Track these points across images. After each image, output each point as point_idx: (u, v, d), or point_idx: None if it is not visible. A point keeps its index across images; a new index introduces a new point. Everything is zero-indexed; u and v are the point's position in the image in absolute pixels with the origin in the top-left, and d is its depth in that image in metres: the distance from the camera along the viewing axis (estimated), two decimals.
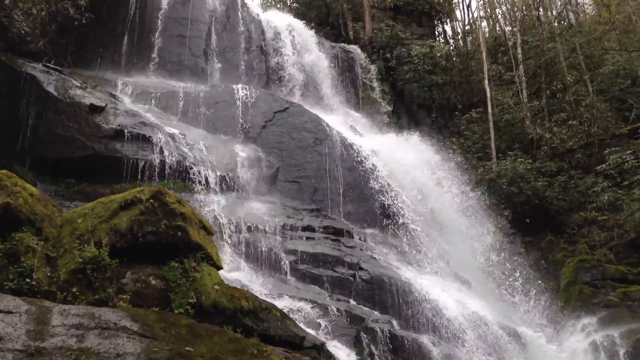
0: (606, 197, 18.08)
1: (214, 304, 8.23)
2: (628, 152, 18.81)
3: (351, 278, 13.45)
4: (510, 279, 17.65)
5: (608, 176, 18.81)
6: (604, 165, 18.92)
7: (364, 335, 11.44)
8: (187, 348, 6.42)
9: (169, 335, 6.52)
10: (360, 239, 14.97)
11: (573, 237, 18.75)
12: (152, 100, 16.83)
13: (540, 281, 17.51)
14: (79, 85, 14.77)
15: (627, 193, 17.72)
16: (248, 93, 17.70)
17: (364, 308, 12.68)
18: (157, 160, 13.91)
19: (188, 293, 7.91)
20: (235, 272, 11.72)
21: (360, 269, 13.73)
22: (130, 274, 7.75)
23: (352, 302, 12.82)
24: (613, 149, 19.49)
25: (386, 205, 16.30)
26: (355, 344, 11.03)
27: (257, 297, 9.75)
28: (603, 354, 13.42)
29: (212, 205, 13.35)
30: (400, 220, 16.15)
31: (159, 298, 7.71)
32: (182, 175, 14.02)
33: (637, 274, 15.97)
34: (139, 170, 13.68)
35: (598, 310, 15.15)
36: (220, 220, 12.98)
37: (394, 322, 12.31)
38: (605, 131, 21.63)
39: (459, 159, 20.89)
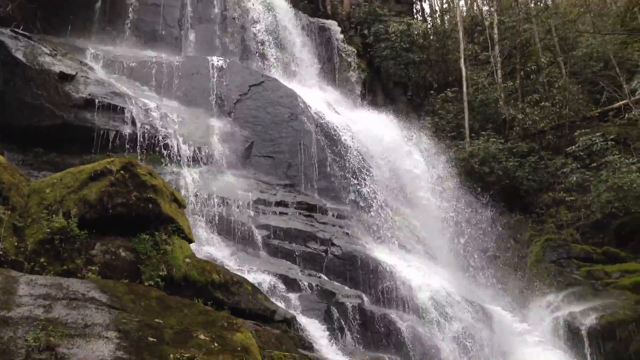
0: (574, 178, 18.47)
1: (184, 277, 8.20)
2: (597, 134, 19.19)
3: (323, 254, 13.52)
4: (478, 257, 17.97)
5: (577, 157, 19.19)
6: (573, 147, 19.28)
7: (334, 310, 11.56)
8: (156, 320, 6.40)
9: (139, 307, 6.49)
10: (333, 215, 15.02)
11: (541, 216, 19.15)
12: (125, 70, 16.48)
13: (508, 259, 17.85)
14: (48, 52, 14.37)
15: (594, 175, 18.12)
16: (223, 65, 17.44)
17: (335, 283, 12.78)
18: (129, 132, 13.68)
19: (158, 266, 7.87)
20: (207, 245, 11.68)
21: (333, 244, 13.81)
22: (100, 246, 7.66)
23: (324, 277, 12.92)
24: (583, 130, 19.85)
25: (359, 183, 16.36)
26: (326, 318, 11.14)
27: (228, 270, 9.75)
28: (566, 330, 13.81)
29: (185, 179, 13.22)
30: (373, 197, 16.24)
31: (128, 270, 7.65)
32: (154, 147, 13.82)
33: (602, 253, 16.42)
34: (110, 141, 13.44)
35: (563, 288, 15.55)
36: (193, 194, 12.87)
37: (364, 297, 12.44)
38: (577, 113, 21.99)
39: (432, 138, 21.03)
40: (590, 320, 13.83)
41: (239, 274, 10.24)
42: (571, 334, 13.76)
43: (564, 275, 16.07)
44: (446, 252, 17.27)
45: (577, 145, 19.17)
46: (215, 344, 6.62)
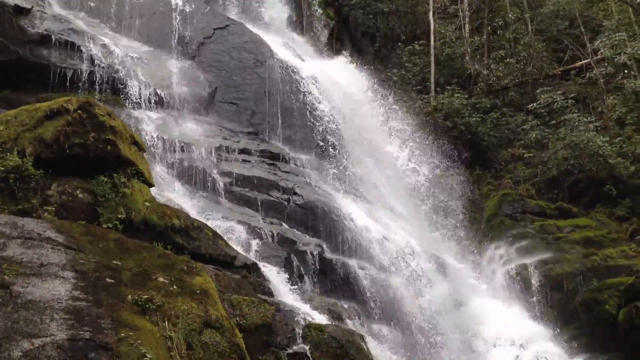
0: (534, 135, 18.84)
1: (144, 221, 8.12)
2: (559, 92, 19.50)
3: (285, 202, 13.56)
4: (438, 210, 18.33)
5: (538, 115, 19.53)
6: (534, 104, 19.58)
7: (295, 258, 11.69)
8: (114, 261, 6.35)
9: (96, 248, 6.41)
10: (296, 164, 15.01)
11: (500, 172, 19.57)
12: (84, 7, 15.77)
13: (466, 213, 18.26)
14: None
15: (553, 132, 18.51)
16: (187, 6, 16.85)
17: (296, 232, 12.88)
18: (87, 71, 13.20)
19: (117, 208, 7.75)
20: (168, 191, 11.54)
21: (295, 193, 13.84)
22: (56, 186, 7.48)
23: (285, 225, 12.99)
24: (545, 88, 20.13)
25: (323, 132, 16.29)
26: (286, 266, 11.26)
27: (189, 215, 9.70)
28: (516, 281, 14.35)
29: (145, 122, 12.91)
30: (337, 148, 16.24)
31: (86, 212, 7.52)
32: (113, 88, 13.41)
33: (555, 209, 16.94)
34: (67, 79, 12.96)
35: (516, 241, 16.06)
36: (154, 138, 12.63)
37: (325, 246, 12.59)
38: (540, 71, 22.24)
39: (398, 90, 21.00)
40: (540, 272, 14.39)
41: (199, 219, 10.22)
42: (521, 285, 14.31)
43: (518, 229, 16.56)
44: (406, 205, 17.53)
45: (538, 102, 19.47)
46: (175, 287, 6.63)
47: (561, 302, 13.78)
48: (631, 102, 18.48)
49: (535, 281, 14.29)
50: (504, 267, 15.13)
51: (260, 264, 10.49)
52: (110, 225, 7.52)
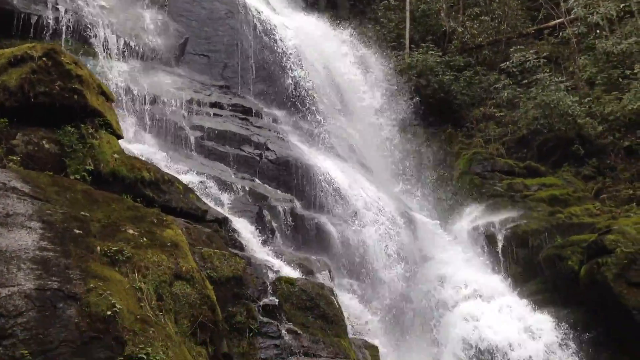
0: (506, 94, 18.98)
1: (112, 173, 7.98)
2: (531, 51, 19.58)
3: (257, 157, 13.49)
4: (409, 168, 18.49)
5: (510, 74, 19.63)
6: (507, 63, 19.65)
7: (266, 213, 11.70)
8: (82, 213, 6.26)
9: (63, 199, 6.30)
10: (268, 119, 14.88)
11: (471, 131, 19.74)
12: None
13: (437, 171, 18.46)
14: None
15: (525, 92, 18.67)
16: None
17: (268, 187, 12.87)
18: (52, 17, 12.69)
19: (85, 159, 7.59)
20: (137, 143, 11.34)
21: (267, 149, 13.76)
22: (22, 136, 7.28)
23: (257, 180, 12.96)
24: (518, 47, 20.17)
25: (297, 87, 16.12)
26: (257, 220, 11.28)
27: (159, 169, 9.57)
28: (484, 237, 14.67)
29: (114, 72, 12.56)
30: (310, 103, 16.12)
31: (53, 162, 7.35)
32: (80, 36, 12.93)
33: (523, 167, 17.24)
34: (32, 26, 12.45)
35: (484, 199, 16.35)
36: (122, 89, 12.32)
37: (296, 202, 12.64)
38: (514, 29, 22.23)
39: (373, 46, 20.81)
40: (506, 229, 14.72)
41: (170, 173, 10.11)
42: (488, 241, 14.64)
43: (487, 187, 16.83)
44: (378, 161, 17.64)
45: (511, 61, 19.55)
46: (144, 239, 6.59)
47: (526, 258, 14.16)
48: (602, 62, 18.67)
49: (501, 238, 14.61)
50: (472, 224, 15.42)
51: (232, 219, 10.48)
52: (78, 177, 7.38)
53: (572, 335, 11.88)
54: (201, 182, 11.28)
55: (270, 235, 11.46)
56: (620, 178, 15.79)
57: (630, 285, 11.61)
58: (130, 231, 6.53)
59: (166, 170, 10.21)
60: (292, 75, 16.18)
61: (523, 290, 13.36)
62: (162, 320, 5.92)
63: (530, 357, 11.48)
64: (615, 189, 15.51)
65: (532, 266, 13.93)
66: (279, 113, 15.52)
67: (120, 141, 8.95)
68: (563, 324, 12.09)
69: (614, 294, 11.59)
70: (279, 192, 12.85)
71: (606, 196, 15.39)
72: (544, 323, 12.14)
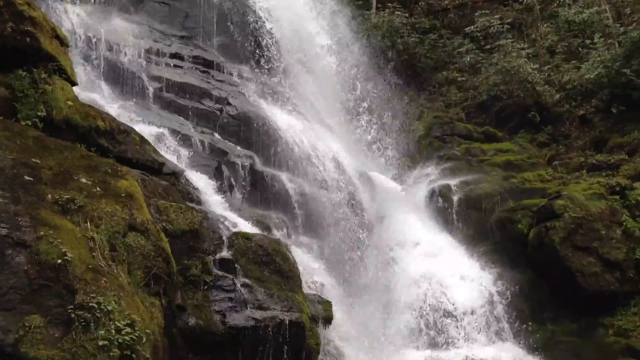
0: (468, 59, 19.11)
1: (66, 120, 7.75)
2: (496, 17, 19.66)
3: (218, 112, 13.29)
4: (370, 129, 18.56)
5: (474, 39, 19.73)
6: (472, 27, 19.70)
7: (225, 168, 11.62)
8: (34, 159, 6.10)
9: (14, 145, 6.11)
10: (230, 73, 14.60)
11: (433, 94, 19.90)
12: None
13: (398, 133, 18.59)
14: None
15: (487, 57, 18.84)
16: None
17: (228, 143, 12.73)
18: None
19: (37, 105, 7.34)
20: (92, 92, 11.00)
21: (228, 104, 13.56)
22: None
23: (217, 135, 12.80)
24: (483, 12, 20.22)
25: (260, 42, 15.82)
26: (216, 175, 11.20)
27: (114, 118, 9.34)
28: (439, 199, 14.95)
29: (68, 15, 12.04)
30: (273, 60, 15.88)
31: (3, 107, 7.08)
32: None
33: (481, 132, 17.53)
34: None
35: (442, 162, 16.60)
36: (78, 35, 11.85)
37: (257, 159, 12.56)
38: None
39: (338, 4, 20.50)
40: (461, 192, 15.02)
41: (126, 123, 9.88)
42: (443, 203, 14.93)
43: (446, 150, 17.08)
44: (339, 121, 17.63)
45: (475, 26, 19.61)
46: (98, 189, 6.50)
47: (479, 220, 14.48)
48: (563, 31, 18.91)
49: (456, 200, 14.90)
50: (429, 186, 15.67)
51: (190, 172, 10.37)
52: (29, 123, 7.15)
53: (518, 295, 12.34)
54: (159, 134, 11.07)
55: (229, 191, 11.42)
56: (573, 146, 16.22)
57: (575, 248, 12.08)
58: (83, 180, 6.41)
59: (122, 120, 9.98)
60: (257, 29, 15.85)
61: (474, 251, 13.73)
62: (115, 271, 5.90)
63: (476, 313, 11.92)
64: (568, 157, 15.94)
65: (484, 228, 14.28)
66: (242, 68, 15.24)
67: (74, 88, 8.67)
68: (511, 283, 12.55)
69: (560, 257, 12.02)
70: (239, 148, 12.74)
71: (558, 163, 15.81)
72: (493, 282, 12.58)
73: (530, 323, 11.92)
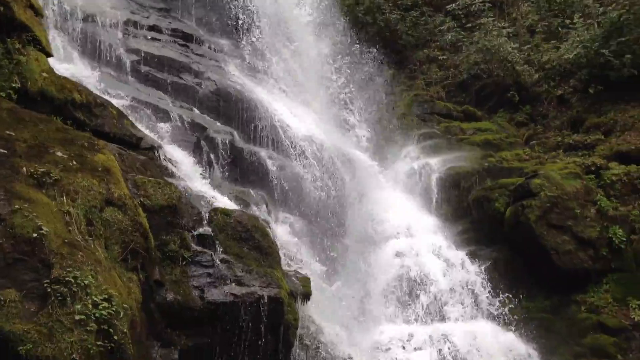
0: (450, 37, 19.08)
1: (41, 92, 7.60)
2: None
3: (197, 87, 13.15)
4: (351, 108, 18.51)
5: (455, 17, 19.67)
6: (453, 5, 19.63)
7: (204, 144, 11.52)
8: (7, 132, 5.97)
9: None
10: (210, 47, 14.42)
11: (414, 72, 19.86)
12: None
13: (378, 111, 18.57)
14: None
15: (468, 36, 18.82)
16: None
17: (207, 118, 12.63)
18: None
19: (11, 76, 7.18)
20: (68, 64, 10.78)
21: (208, 78, 13.42)
22: None
23: (196, 111, 12.68)
24: None
25: (242, 17, 15.62)
26: (195, 151, 11.10)
27: (91, 91, 9.19)
28: (419, 177, 15.04)
29: None
30: (254, 34, 15.69)
31: None
32: None
33: (461, 111, 17.60)
34: None
35: (422, 141, 16.65)
36: (53, 4, 11.54)
37: (236, 135, 12.49)
38: None
39: None
40: (440, 170, 15.11)
41: (103, 97, 9.71)
42: (422, 182, 15.02)
43: (426, 129, 17.12)
44: (319, 98, 17.55)
45: (457, 3, 19.54)
46: (74, 162, 6.40)
47: (457, 199, 14.60)
48: (543, 10, 18.94)
49: (435, 179, 15.00)
50: (409, 164, 15.74)
51: (168, 148, 10.27)
52: (3, 95, 6.98)
53: (494, 272, 12.53)
54: (136, 108, 10.93)
55: (208, 167, 11.34)
56: (551, 126, 16.38)
57: (550, 227, 12.25)
58: (59, 153, 6.31)
59: (99, 93, 9.81)
60: (237, 3, 15.62)
61: (452, 229, 13.88)
62: (92, 245, 5.84)
63: (452, 290, 12.10)
64: (545, 136, 16.11)
65: (462, 207, 14.41)
66: (222, 42, 15.04)
67: (49, 60, 8.49)
68: (487, 261, 12.74)
69: (535, 235, 12.19)
70: (218, 123, 12.64)
71: (536, 142, 15.97)
72: (469, 260, 12.75)
73: (505, 300, 12.09)
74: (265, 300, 7.72)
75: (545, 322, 11.84)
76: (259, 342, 7.58)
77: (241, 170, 11.88)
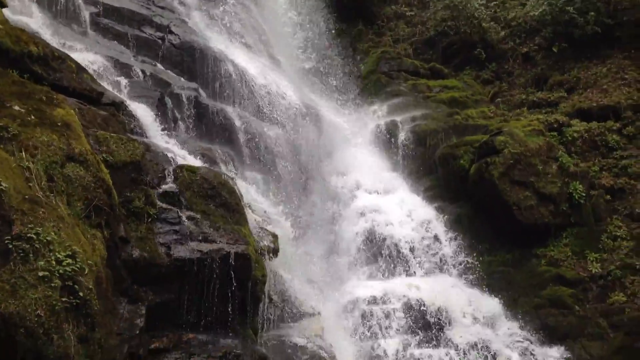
0: None
1: None
2: None
3: (159, 41, 12.79)
4: (318, 62, 18.31)
5: None
6: None
7: (168, 100, 11.28)
8: None
9: None
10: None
11: (381, 29, 19.67)
12: None
13: (345, 67, 18.42)
14: None
15: None
16: None
17: (171, 73, 12.34)
18: None
19: None
20: (23, 15, 10.29)
21: (171, 32, 13.06)
22: None
23: (159, 65, 12.37)
24: None
25: None
26: (159, 107, 10.86)
27: (49, 44, 8.83)
28: (386, 135, 15.09)
29: None
30: None
31: None
32: None
33: (428, 69, 17.58)
34: None
35: (389, 98, 16.65)
36: None
37: (201, 91, 12.26)
38: None
39: None
40: (406, 128, 15.19)
41: (62, 50, 9.34)
42: (389, 139, 15.08)
43: (393, 86, 17.09)
44: (286, 54, 17.30)
45: None
46: (32, 117, 6.19)
47: (423, 156, 14.74)
48: None
49: (401, 136, 15.07)
50: (376, 122, 15.76)
51: (131, 103, 9.99)
52: None
53: (457, 228, 12.78)
54: (97, 62, 10.57)
55: (173, 124, 11.12)
56: (516, 83, 16.53)
57: (513, 183, 12.49)
58: (17, 108, 6.08)
59: (57, 46, 9.43)
60: None
61: (418, 186, 14.05)
62: (54, 202, 5.70)
63: (417, 245, 12.33)
64: (510, 94, 16.27)
65: (428, 164, 14.57)
66: None
67: (3, 10, 8.09)
68: (451, 217, 12.97)
69: (498, 191, 12.42)
70: (182, 79, 12.37)
71: (501, 100, 16.14)
72: (434, 216, 12.97)
73: (467, 254, 12.38)
74: (233, 257, 7.70)
75: (507, 275, 12.20)
76: (227, 298, 7.60)
77: (207, 128, 11.70)
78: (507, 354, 9.97)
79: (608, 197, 12.77)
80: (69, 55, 9.00)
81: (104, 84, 9.91)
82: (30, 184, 5.51)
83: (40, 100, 6.54)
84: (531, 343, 10.47)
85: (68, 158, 6.23)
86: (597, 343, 10.67)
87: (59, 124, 6.38)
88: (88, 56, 10.45)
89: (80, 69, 9.07)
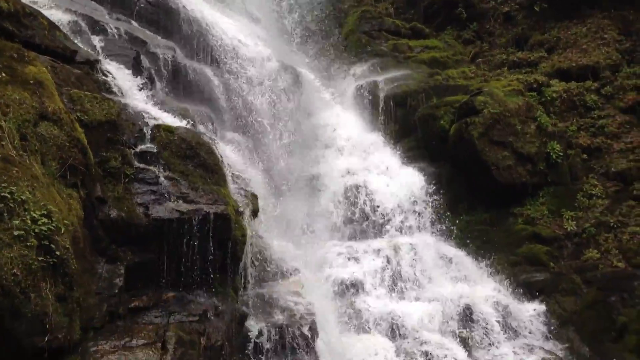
0: None
1: None
2: None
3: None
4: (297, 22, 18.04)
5: None
6: None
7: (145, 59, 11.03)
8: None
9: None
10: None
11: None
12: None
13: (326, 27, 18.18)
14: None
15: None
16: None
17: (147, 32, 12.04)
18: None
19: None
20: None
21: None
22: None
23: (134, 23, 12.06)
24: None
25: None
26: (135, 66, 10.61)
27: (20, 0, 8.52)
28: (366, 96, 15.01)
29: None
30: None
31: None
32: None
33: (409, 29, 17.42)
34: None
35: (370, 59, 16.52)
36: None
37: (178, 50, 12.01)
38: None
39: None
40: (387, 89, 15.11)
41: (32, 6, 9.04)
42: (370, 100, 15.01)
43: (374, 46, 16.94)
44: (265, 13, 17.01)
45: None
46: (3, 74, 6.04)
47: (404, 117, 14.73)
48: None
49: (382, 97, 15.00)
50: (356, 82, 15.65)
51: (105, 62, 9.77)
52: None
53: (437, 188, 12.88)
54: (69, 20, 10.26)
55: (150, 83, 10.90)
56: (496, 43, 16.47)
57: (492, 143, 12.57)
58: None
59: (28, 3, 9.12)
60: None
61: (398, 146, 14.07)
62: (27, 161, 5.62)
63: (397, 205, 12.43)
64: (491, 54, 16.22)
65: (408, 125, 14.57)
66: None
67: None
68: (431, 178, 13.05)
69: (477, 151, 12.51)
70: (159, 38, 12.09)
71: (481, 60, 16.09)
72: (414, 176, 13.04)
73: (447, 214, 12.53)
74: (212, 217, 7.67)
75: (484, 233, 12.40)
76: (207, 258, 7.62)
77: (185, 87, 11.52)
78: (483, 310, 10.19)
79: (585, 156, 12.93)
80: (40, 12, 8.72)
81: (78, 42, 9.66)
82: (3, 143, 5.41)
83: (12, 58, 6.37)
84: (507, 298, 10.71)
85: (41, 117, 6.10)
86: (571, 298, 10.94)
87: (32, 82, 6.23)
88: (60, 13, 10.15)
89: (53, 26, 8.80)
